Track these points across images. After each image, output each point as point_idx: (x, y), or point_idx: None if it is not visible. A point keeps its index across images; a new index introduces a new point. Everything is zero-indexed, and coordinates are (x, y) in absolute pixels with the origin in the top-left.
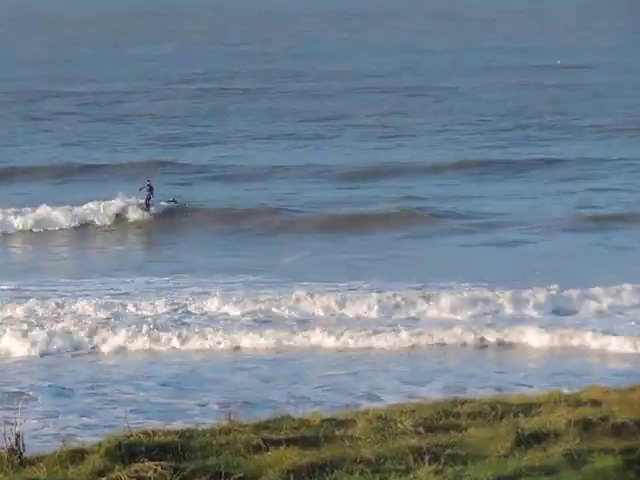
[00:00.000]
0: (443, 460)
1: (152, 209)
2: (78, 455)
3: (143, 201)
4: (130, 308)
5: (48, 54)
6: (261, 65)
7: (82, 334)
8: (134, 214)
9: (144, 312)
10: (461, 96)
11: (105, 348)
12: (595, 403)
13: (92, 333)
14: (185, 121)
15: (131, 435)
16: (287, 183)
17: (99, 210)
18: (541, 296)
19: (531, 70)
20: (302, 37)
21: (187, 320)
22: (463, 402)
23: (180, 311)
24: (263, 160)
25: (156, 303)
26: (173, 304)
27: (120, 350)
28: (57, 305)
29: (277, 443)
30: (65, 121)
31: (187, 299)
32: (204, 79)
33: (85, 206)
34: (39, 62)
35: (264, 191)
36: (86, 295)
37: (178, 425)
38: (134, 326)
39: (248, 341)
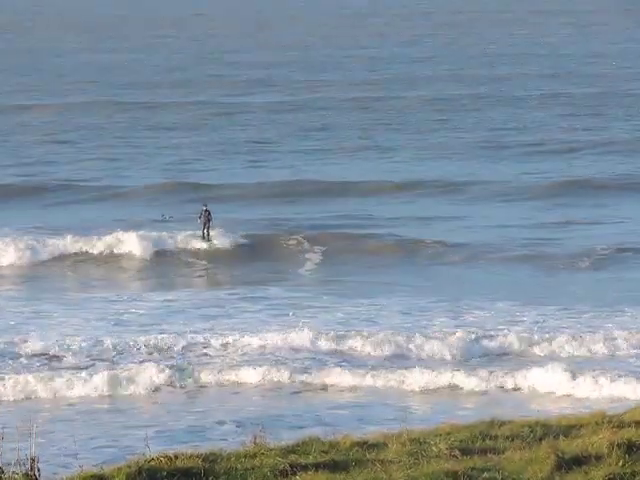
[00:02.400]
0: None
1: (213, 239)
2: None
3: (200, 232)
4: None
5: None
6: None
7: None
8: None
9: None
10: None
11: None
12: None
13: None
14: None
15: (152, 459)
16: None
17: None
18: None
19: None
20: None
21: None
22: (501, 424)
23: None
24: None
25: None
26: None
27: None
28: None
29: (305, 468)
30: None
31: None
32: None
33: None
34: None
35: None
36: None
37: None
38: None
39: None
